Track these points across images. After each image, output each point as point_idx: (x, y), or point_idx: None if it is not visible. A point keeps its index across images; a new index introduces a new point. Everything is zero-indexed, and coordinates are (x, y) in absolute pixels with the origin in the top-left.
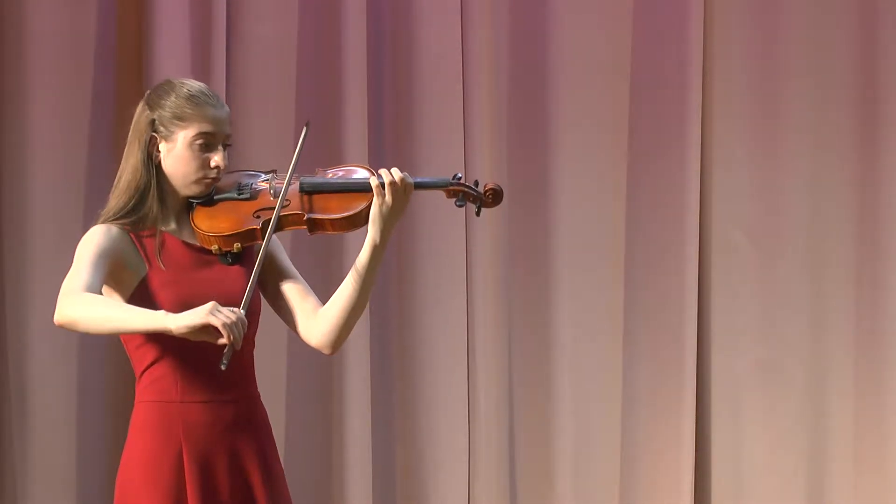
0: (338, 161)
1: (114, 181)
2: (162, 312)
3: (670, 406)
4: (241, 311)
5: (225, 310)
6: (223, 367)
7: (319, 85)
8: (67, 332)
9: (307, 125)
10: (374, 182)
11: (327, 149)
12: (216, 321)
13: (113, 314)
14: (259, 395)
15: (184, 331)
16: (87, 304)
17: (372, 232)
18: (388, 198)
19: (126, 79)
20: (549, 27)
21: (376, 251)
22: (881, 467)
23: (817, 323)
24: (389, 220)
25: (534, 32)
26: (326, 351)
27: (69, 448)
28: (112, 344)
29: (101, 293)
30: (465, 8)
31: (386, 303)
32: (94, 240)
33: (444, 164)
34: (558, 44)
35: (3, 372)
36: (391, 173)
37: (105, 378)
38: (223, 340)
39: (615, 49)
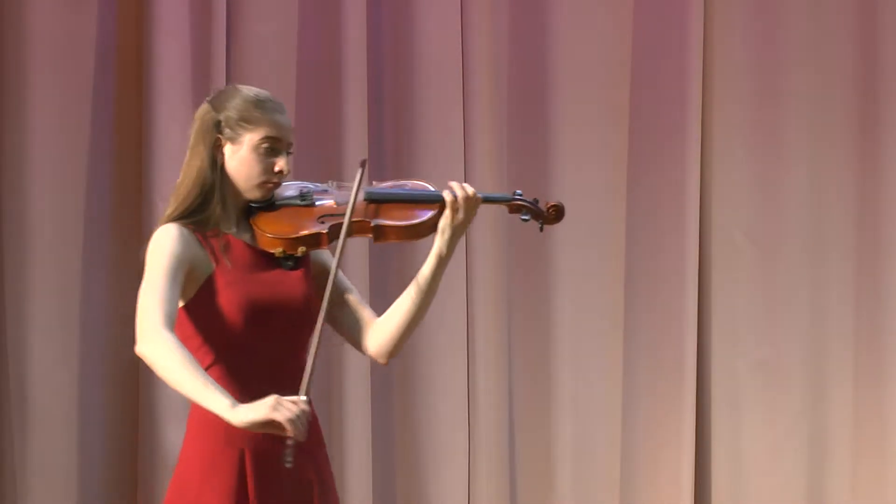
0: (334, 162)
1: (108, 184)
2: (227, 403)
3: (670, 405)
4: (303, 398)
5: (286, 402)
6: (288, 465)
7: (319, 85)
8: (67, 331)
9: (363, 165)
10: (447, 196)
11: (327, 149)
12: (280, 417)
13: (184, 382)
14: (311, 402)
15: (246, 426)
16: (166, 357)
17: (439, 243)
18: (459, 211)
19: (126, 79)
20: (548, 28)
21: (441, 262)
22: (881, 466)
23: (817, 321)
24: (457, 233)
25: (534, 33)
26: (382, 360)
27: (69, 448)
28: (112, 344)
29: (176, 309)
30: (465, 9)
31: (385, 303)
32: (167, 245)
33: (443, 164)
34: (558, 45)
35: (2, 371)
36: (462, 187)
37: (105, 378)
38: (289, 436)
39: (615, 49)
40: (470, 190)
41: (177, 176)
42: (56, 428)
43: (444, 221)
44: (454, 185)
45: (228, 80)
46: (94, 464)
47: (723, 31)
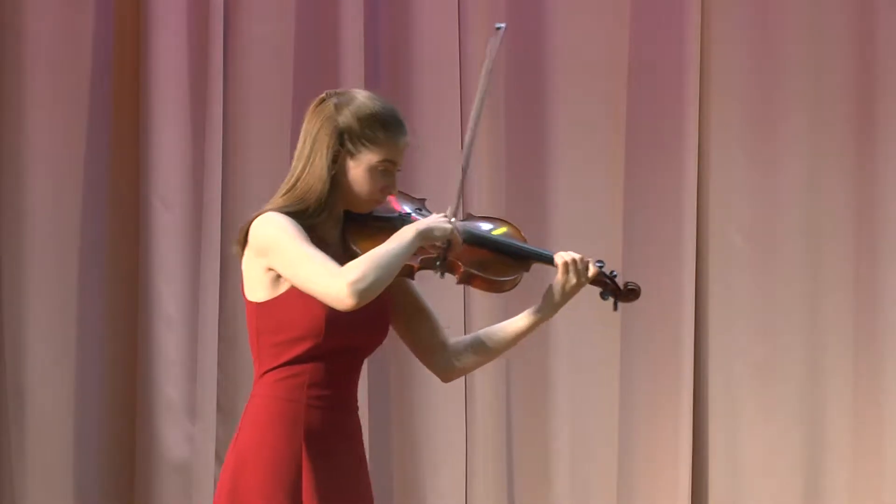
0: None
1: (106, 183)
2: (412, 229)
3: (668, 406)
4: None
5: (452, 220)
6: (442, 276)
7: (316, 86)
8: (64, 331)
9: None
10: (559, 260)
11: None
12: (455, 237)
13: (396, 258)
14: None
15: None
16: (372, 268)
17: (544, 307)
18: (571, 277)
19: (123, 78)
20: (546, 29)
21: (539, 323)
22: (878, 468)
23: (814, 323)
24: (565, 299)
25: (531, 34)
26: (443, 380)
27: (66, 447)
28: (110, 342)
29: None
30: (462, 9)
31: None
32: (290, 224)
33: (441, 164)
34: (555, 45)
35: (0, 370)
36: (573, 255)
37: (102, 377)
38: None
39: (612, 50)
40: (580, 256)
41: (173, 176)
42: (53, 427)
43: (557, 287)
44: (567, 255)
45: (226, 80)
46: (91, 463)
47: (720, 31)
